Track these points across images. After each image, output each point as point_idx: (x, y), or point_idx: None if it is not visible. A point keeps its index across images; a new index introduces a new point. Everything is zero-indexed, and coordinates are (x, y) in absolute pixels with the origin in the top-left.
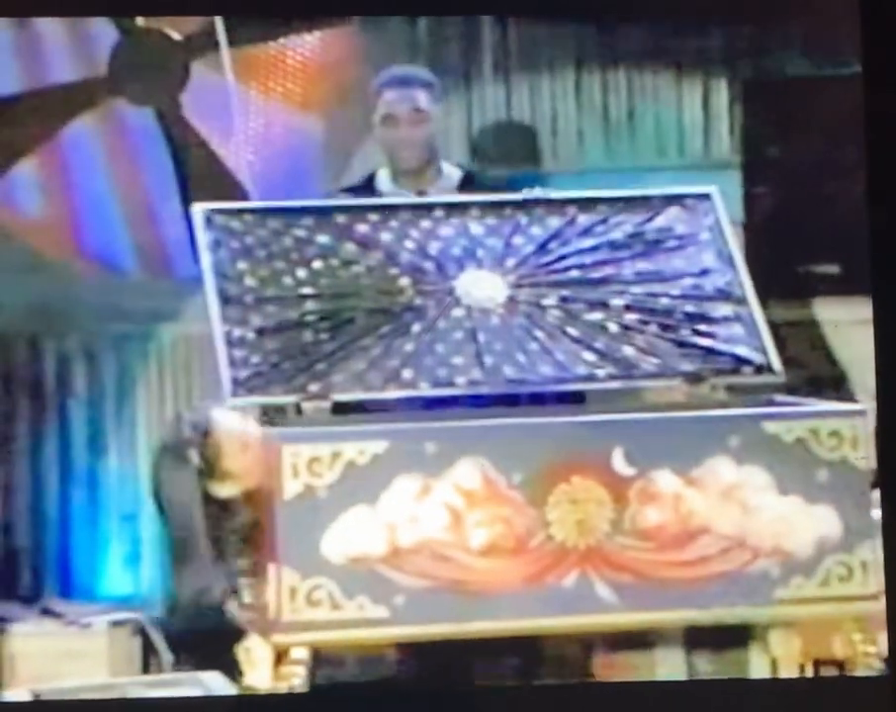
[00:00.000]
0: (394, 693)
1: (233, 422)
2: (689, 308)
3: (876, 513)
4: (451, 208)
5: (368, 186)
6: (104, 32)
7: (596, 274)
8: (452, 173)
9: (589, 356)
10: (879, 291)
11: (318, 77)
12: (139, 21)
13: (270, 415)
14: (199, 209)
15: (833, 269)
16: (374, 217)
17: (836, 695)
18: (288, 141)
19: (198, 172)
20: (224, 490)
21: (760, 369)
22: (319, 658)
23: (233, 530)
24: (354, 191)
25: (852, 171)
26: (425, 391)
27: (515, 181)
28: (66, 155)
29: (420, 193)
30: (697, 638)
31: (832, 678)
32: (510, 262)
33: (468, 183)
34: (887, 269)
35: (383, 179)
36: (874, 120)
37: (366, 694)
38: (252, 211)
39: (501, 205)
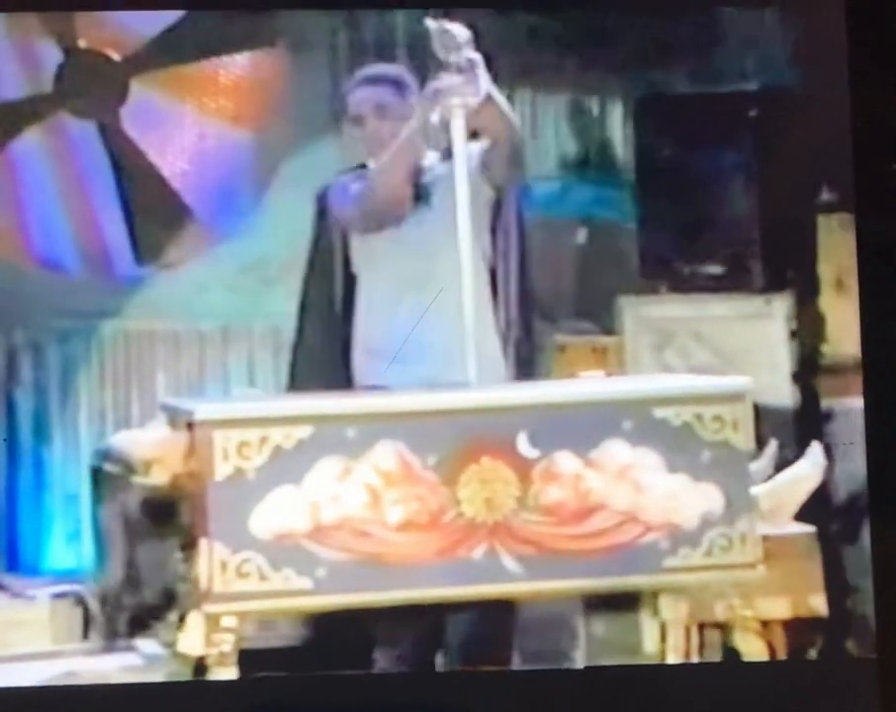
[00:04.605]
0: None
1: (131, 433)
2: None
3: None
4: None
5: None
6: (49, 52)
7: None
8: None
9: None
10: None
11: (249, 94)
12: (82, 42)
13: None
14: None
15: (717, 269)
16: None
17: (822, 678)
18: (220, 153)
19: (136, 180)
20: (151, 479)
21: None
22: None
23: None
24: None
25: (736, 179)
26: None
27: None
28: (15, 166)
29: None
30: (594, 603)
31: (817, 662)
32: None
33: None
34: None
35: None
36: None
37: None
38: None
39: None
